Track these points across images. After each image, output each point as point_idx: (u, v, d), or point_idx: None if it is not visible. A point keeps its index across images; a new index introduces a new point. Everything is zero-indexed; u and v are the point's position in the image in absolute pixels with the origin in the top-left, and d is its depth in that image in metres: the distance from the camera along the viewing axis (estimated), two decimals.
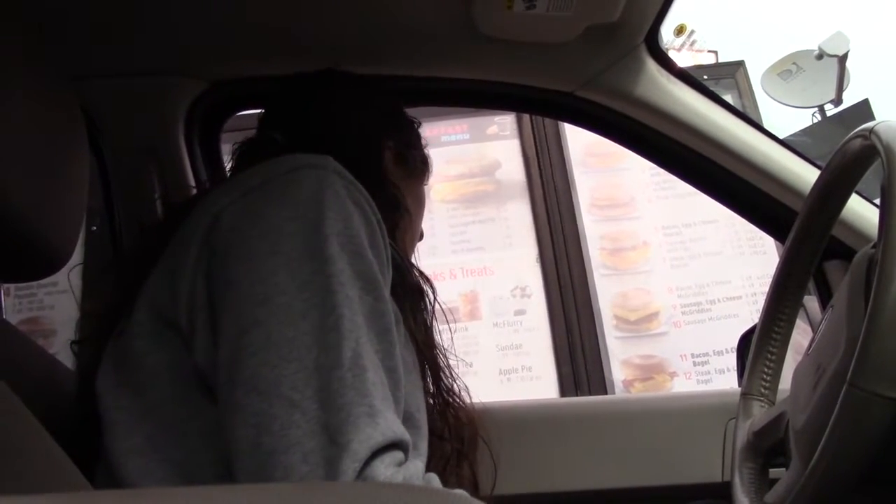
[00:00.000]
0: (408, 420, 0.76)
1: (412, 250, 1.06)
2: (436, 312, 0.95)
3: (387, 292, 0.75)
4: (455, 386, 0.97)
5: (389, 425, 0.66)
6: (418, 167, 1.08)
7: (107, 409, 0.75)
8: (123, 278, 0.86)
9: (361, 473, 0.63)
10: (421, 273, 0.95)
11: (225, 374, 0.69)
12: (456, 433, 0.96)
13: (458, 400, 0.98)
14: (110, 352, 0.79)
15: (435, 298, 0.94)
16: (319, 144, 0.82)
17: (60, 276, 0.78)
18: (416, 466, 0.68)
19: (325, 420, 0.64)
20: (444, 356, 0.96)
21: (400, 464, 0.66)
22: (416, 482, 0.67)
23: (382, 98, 1.07)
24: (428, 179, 1.10)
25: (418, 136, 1.09)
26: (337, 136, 0.97)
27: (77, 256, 0.77)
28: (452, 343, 0.97)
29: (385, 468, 0.64)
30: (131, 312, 0.78)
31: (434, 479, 0.71)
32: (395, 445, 0.66)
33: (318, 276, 0.69)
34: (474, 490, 0.99)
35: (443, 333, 0.96)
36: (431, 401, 0.93)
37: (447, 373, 0.96)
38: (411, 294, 0.91)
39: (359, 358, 0.67)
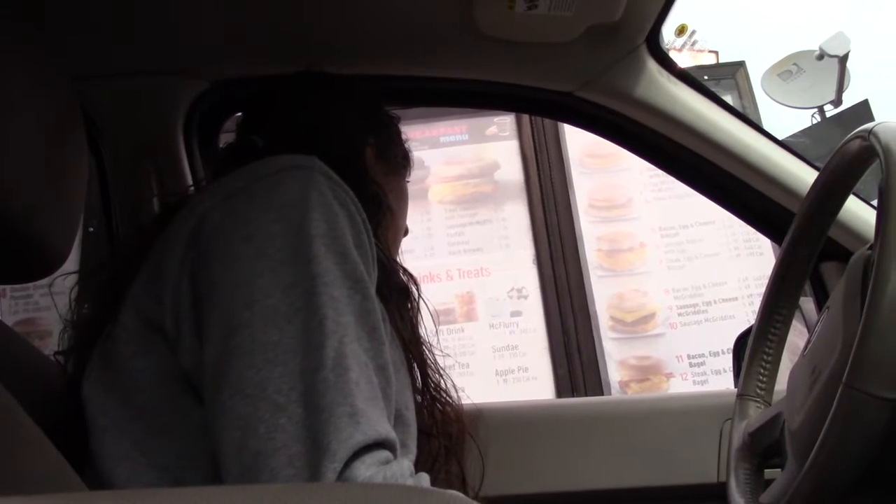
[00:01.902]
0: (397, 418, 0.76)
1: (396, 247, 1.06)
2: (421, 310, 0.95)
3: (373, 291, 0.75)
4: (443, 383, 0.97)
5: (372, 425, 0.65)
6: (399, 163, 1.07)
7: (94, 414, 0.75)
8: (110, 282, 0.86)
9: (342, 475, 0.62)
10: (406, 271, 0.95)
11: (211, 376, 0.69)
12: (443, 430, 0.96)
13: (445, 397, 0.98)
14: (97, 357, 0.79)
15: (420, 297, 0.95)
16: (300, 146, 0.82)
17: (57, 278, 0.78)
18: (400, 465, 0.67)
19: (308, 423, 0.64)
20: (431, 353, 0.96)
21: (385, 463, 0.66)
22: (400, 481, 0.66)
23: (361, 96, 1.07)
24: (409, 175, 1.10)
25: (398, 132, 1.09)
26: (317, 136, 0.97)
27: (72, 260, 0.77)
28: (438, 341, 0.97)
29: (366, 469, 0.63)
30: (117, 317, 0.78)
31: (424, 479, 0.71)
32: (380, 445, 0.66)
33: (302, 279, 0.69)
34: (462, 487, 0.99)
35: (429, 331, 0.96)
36: (419, 398, 0.93)
37: (434, 370, 0.96)
38: (397, 292, 0.91)
39: (342, 358, 0.67)
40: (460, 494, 0.33)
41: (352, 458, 0.63)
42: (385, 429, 0.67)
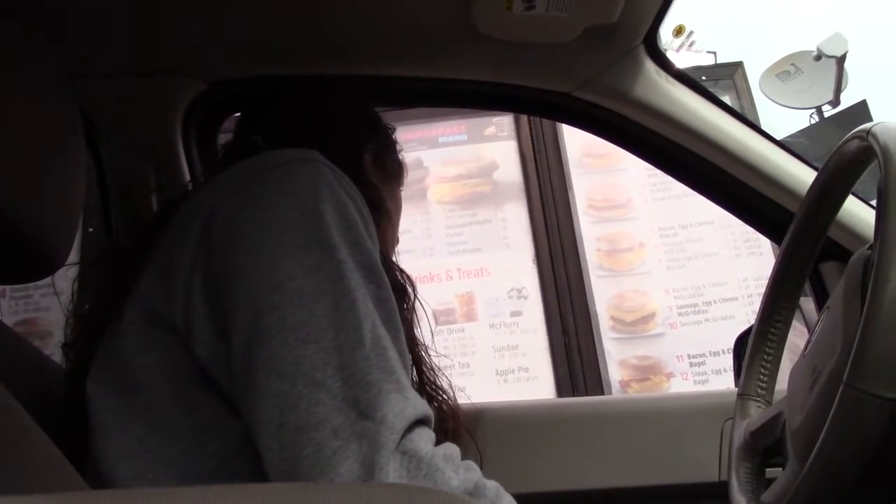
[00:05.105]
0: None
1: (391, 253, 1.07)
2: (417, 311, 0.96)
3: (387, 280, 0.76)
4: (438, 380, 0.99)
5: (419, 401, 0.68)
6: (395, 170, 1.09)
7: (96, 411, 0.75)
8: (113, 279, 0.86)
9: (400, 445, 0.64)
10: (402, 272, 0.96)
11: (242, 360, 0.69)
12: (439, 426, 0.97)
13: (442, 395, 1.00)
14: (100, 353, 0.79)
15: (416, 296, 0.96)
16: (301, 146, 0.83)
17: (57, 278, 0.78)
18: (451, 447, 0.70)
19: (352, 396, 0.65)
20: (427, 353, 0.98)
21: (432, 441, 0.68)
22: (456, 461, 0.69)
23: (361, 102, 1.09)
24: (403, 183, 1.12)
25: (394, 141, 1.11)
26: (319, 138, 0.97)
27: (72, 261, 0.77)
28: (433, 341, 0.99)
29: (423, 443, 0.66)
30: (122, 313, 0.78)
31: (473, 466, 0.73)
32: (424, 422, 0.68)
33: (326, 262, 0.70)
34: None
35: (425, 331, 0.98)
36: None
37: (429, 366, 0.98)
38: (394, 290, 0.92)
39: (379, 339, 0.69)
40: (462, 495, 0.33)
41: (406, 431, 0.66)
42: (426, 407, 0.69)
